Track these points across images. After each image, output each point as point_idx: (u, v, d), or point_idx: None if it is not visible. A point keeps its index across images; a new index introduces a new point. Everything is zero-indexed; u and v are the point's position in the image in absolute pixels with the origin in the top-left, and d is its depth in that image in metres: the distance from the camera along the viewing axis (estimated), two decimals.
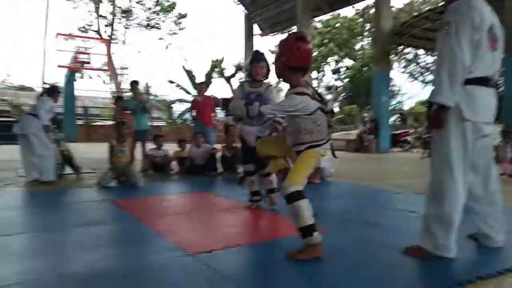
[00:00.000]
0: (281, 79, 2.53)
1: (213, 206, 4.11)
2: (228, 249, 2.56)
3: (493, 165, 2.47)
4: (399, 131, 16.49)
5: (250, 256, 2.50)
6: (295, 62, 2.40)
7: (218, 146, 7.04)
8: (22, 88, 33.39)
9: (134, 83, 7.09)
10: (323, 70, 34.60)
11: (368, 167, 8.72)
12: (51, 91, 5.84)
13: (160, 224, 3.24)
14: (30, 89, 31.73)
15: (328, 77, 36.10)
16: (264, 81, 3.76)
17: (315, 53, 30.97)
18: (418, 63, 30.75)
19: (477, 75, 2.20)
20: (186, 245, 2.61)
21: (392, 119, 22.96)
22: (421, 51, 26.77)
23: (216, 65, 23.15)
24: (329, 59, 34.16)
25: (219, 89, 76.06)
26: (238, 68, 24.26)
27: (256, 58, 3.72)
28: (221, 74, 24.22)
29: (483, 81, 2.24)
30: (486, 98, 2.27)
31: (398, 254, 2.40)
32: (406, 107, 33.60)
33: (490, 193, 2.44)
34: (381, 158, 11.73)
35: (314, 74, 33.03)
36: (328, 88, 34.09)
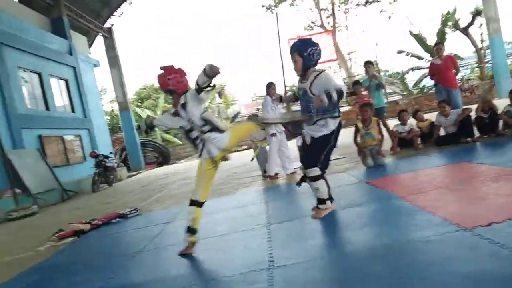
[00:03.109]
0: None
1: (478, 175, 3.68)
2: (510, 221, 2.27)
3: None
4: None
5: None
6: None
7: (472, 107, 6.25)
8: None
9: (368, 63, 7.21)
10: None
11: None
12: (267, 87, 6.15)
13: (422, 199, 3.16)
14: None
15: None
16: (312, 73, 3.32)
17: None
18: None
19: None
20: (459, 219, 2.47)
21: None
22: None
23: (448, 19, 20.45)
24: None
25: (456, 45, 67.08)
26: (477, 13, 20.65)
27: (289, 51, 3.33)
28: (455, 27, 21.25)
29: None
30: None
31: None
32: None
33: None
34: None
35: None
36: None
